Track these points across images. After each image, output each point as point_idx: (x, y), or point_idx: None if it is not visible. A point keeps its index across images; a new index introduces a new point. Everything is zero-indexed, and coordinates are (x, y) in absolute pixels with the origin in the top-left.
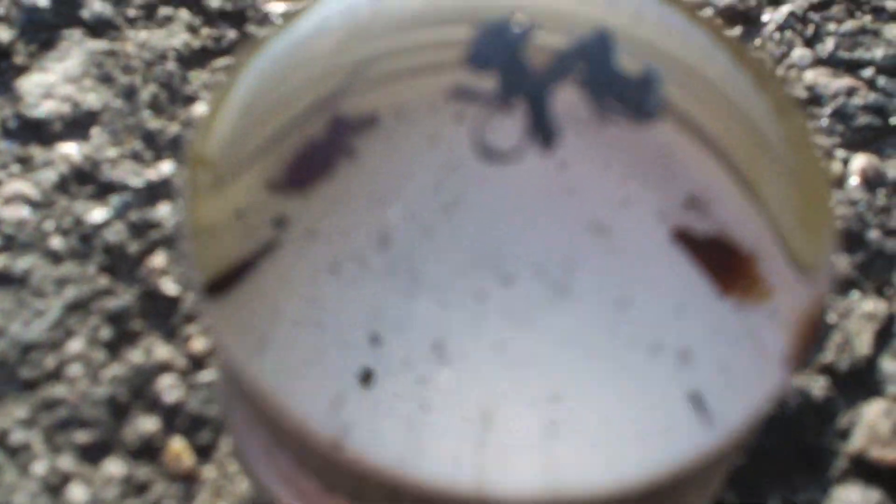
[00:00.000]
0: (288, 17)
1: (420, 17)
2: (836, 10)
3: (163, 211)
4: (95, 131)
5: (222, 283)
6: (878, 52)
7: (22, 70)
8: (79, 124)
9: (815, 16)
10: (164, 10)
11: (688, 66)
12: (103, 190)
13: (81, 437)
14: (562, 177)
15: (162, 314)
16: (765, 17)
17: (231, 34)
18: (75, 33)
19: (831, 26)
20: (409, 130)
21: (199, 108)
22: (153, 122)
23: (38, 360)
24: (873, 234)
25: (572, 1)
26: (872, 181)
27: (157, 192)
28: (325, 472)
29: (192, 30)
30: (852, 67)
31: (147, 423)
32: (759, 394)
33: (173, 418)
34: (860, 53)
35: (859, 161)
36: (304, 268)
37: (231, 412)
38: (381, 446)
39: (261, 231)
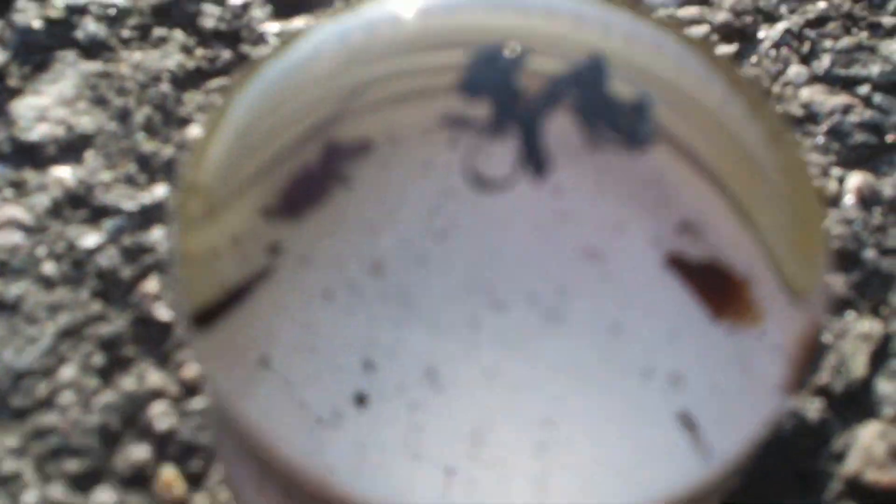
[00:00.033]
0: (282, 40)
1: (414, 42)
2: (832, 26)
3: (156, 235)
4: (89, 154)
5: (211, 314)
6: (875, 69)
7: (15, 93)
8: (72, 147)
9: (811, 33)
10: (158, 31)
11: (681, 90)
12: (97, 214)
13: (72, 465)
14: (555, 203)
15: (155, 340)
16: (761, 34)
17: (226, 54)
18: (69, 55)
19: (827, 43)
20: (402, 157)
21: (194, 131)
22: (147, 145)
23: (29, 388)
24: (869, 254)
25: (567, 25)
26: (868, 199)
27: (150, 215)
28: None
29: (187, 50)
30: (848, 84)
31: (138, 451)
32: (753, 418)
33: (165, 446)
34: (856, 70)
35: (855, 179)
36: (298, 294)
37: (221, 440)
38: (368, 488)
39: (255, 258)
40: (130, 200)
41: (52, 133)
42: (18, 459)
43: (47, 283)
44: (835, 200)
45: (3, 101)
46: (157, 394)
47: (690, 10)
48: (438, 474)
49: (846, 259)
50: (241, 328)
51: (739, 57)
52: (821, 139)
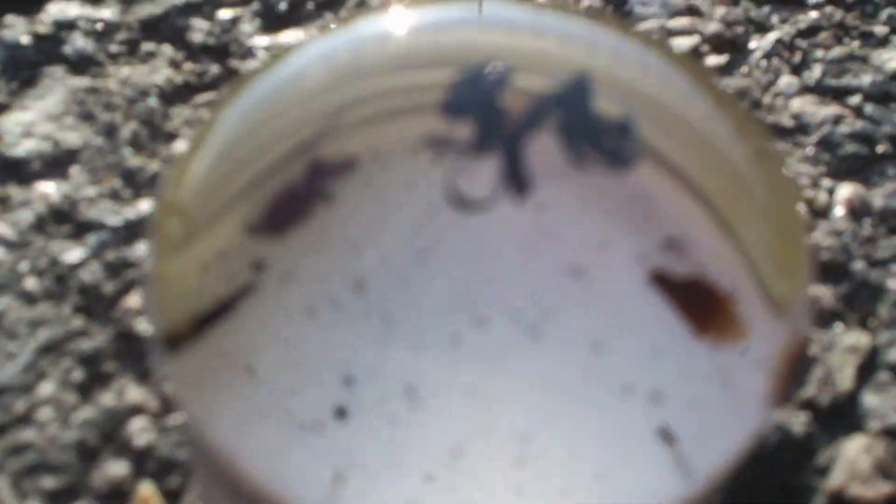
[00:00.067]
0: (270, 56)
1: (399, 60)
2: (823, 36)
3: (140, 250)
4: (74, 170)
5: (186, 334)
6: (866, 79)
7: (2, 108)
8: (58, 163)
9: (802, 42)
10: (146, 46)
11: (666, 107)
12: (80, 229)
13: (49, 482)
14: (539, 221)
15: (136, 355)
16: (752, 45)
17: (214, 69)
18: (57, 70)
19: (819, 53)
20: (386, 176)
21: (180, 146)
22: (133, 160)
23: (7, 404)
24: (858, 266)
25: (552, 42)
26: (858, 211)
27: (134, 230)
28: None
29: (175, 65)
30: (839, 95)
31: (116, 468)
32: (735, 433)
33: (143, 462)
34: (847, 80)
35: (845, 190)
36: (281, 311)
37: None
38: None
39: (239, 274)
40: (115, 215)
41: (38, 148)
42: None
43: (29, 298)
44: (824, 212)
45: None
46: (136, 409)
47: (681, 21)
48: (418, 486)
49: (835, 271)
50: (221, 346)
51: (730, 67)
52: (811, 150)
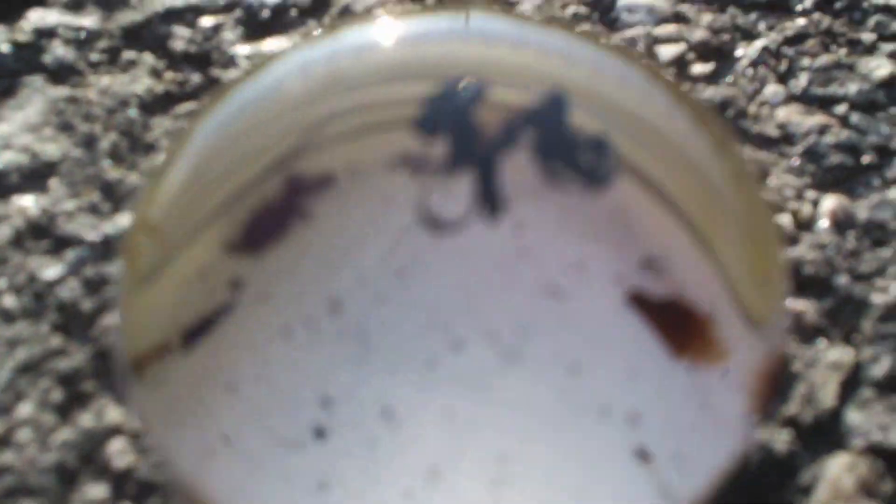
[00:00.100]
0: (248, 68)
1: (376, 74)
2: (810, 44)
3: (119, 266)
4: (53, 183)
5: (155, 358)
6: (852, 88)
7: None
8: (36, 175)
9: (789, 50)
10: (127, 54)
11: (644, 124)
12: (59, 245)
13: None
14: (515, 241)
15: (115, 374)
16: (738, 52)
17: (196, 78)
18: (36, 80)
19: (805, 61)
20: (362, 193)
21: (160, 158)
22: (112, 172)
23: None
24: (842, 280)
25: (531, 56)
26: (842, 223)
27: (113, 246)
28: None
29: (156, 74)
30: (825, 104)
31: (96, 490)
32: (714, 454)
33: (123, 484)
34: (834, 89)
35: (830, 202)
36: (258, 331)
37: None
38: None
39: (216, 294)
40: (93, 230)
41: (16, 161)
42: None
43: (6, 316)
44: (808, 224)
45: None
46: (115, 430)
47: (667, 28)
48: (398, 501)
49: (818, 285)
50: (198, 366)
51: (716, 76)
52: (796, 160)
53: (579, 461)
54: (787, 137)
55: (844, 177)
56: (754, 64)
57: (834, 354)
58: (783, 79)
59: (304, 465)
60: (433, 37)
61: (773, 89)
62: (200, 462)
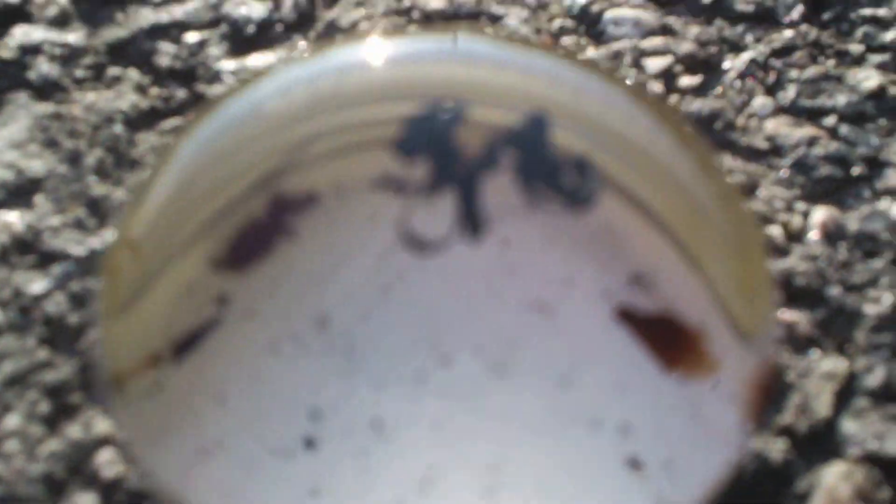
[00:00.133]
0: (230, 87)
1: (360, 94)
2: (798, 55)
3: (100, 281)
4: (39, 199)
5: (140, 372)
6: (841, 99)
7: None
8: (22, 191)
9: (776, 62)
10: (112, 70)
11: (629, 144)
12: (45, 260)
13: None
14: (503, 258)
15: (102, 387)
16: (726, 65)
17: (181, 94)
18: (21, 96)
19: (793, 73)
20: (347, 212)
21: (144, 174)
22: (98, 188)
23: None
24: (834, 291)
25: (513, 77)
26: (833, 235)
27: (99, 260)
28: None
29: (141, 90)
30: (814, 115)
31: (84, 500)
32: (707, 464)
33: (111, 494)
34: (822, 101)
35: (820, 214)
36: (245, 346)
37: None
38: None
39: (202, 309)
40: (79, 245)
41: (2, 177)
42: None
43: None
44: (799, 236)
45: None
46: (103, 441)
47: (654, 41)
48: None
49: (810, 296)
50: (185, 381)
51: (703, 88)
52: (785, 172)
53: (571, 470)
54: (775, 149)
55: (834, 188)
56: (742, 76)
57: (828, 365)
58: (771, 91)
59: (295, 474)
60: (416, 57)
61: (761, 101)
62: (189, 471)
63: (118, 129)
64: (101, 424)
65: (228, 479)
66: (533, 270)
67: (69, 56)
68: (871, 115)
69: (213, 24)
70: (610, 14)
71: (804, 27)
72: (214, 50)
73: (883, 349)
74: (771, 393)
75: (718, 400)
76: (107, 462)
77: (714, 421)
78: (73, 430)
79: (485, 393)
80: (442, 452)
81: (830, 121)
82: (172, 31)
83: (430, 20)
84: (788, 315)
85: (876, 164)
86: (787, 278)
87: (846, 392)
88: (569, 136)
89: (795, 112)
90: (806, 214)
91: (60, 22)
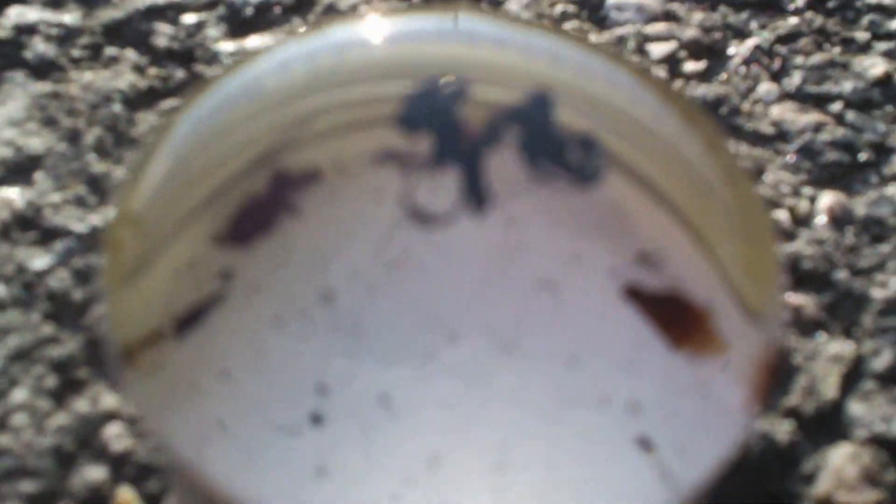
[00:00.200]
0: (231, 64)
1: (361, 71)
2: (803, 42)
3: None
4: (39, 176)
5: (147, 347)
6: (847, 86)
7: None
8: (21, 169)
9: (782, 49)
10: (109, 50)
11: (635, 123)
12: (46, 236)
13: (27, 486)
14: (509, 235)
15: (108, 362)
16: (730, 51)
17: (179, 74)
18: (18, 75)
19: (799, 59)
20: (350, 188)
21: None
22: (98, 166)
23: None
24: (841, 275)
25: (516, 56)
26: (840, 219)
27: (101, 237)
28: None
29: (139, 70)
30: (820, 102)
31: (94, 473)
32: (716, 443)
33: (121, 467)
34: (828, 87)
35: (827, 199)
36: (250, 321)
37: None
38: None
39: (206, 284)
40: (80, 222)
41: (1, 154)
42: None
43: None
44: (806, 220)
45: None
46: (111, 415)
47: (657, 27)
48: (398, 488)
49: (817, 280)
50: (191, 355)
51: (708, 74)
52: (792, 158)
53: (580, 448)
54: (781, 135)
55: (841, 174)
56: (747, 62)
57: (834, 347)
58: (776, 77)
59: (302, 450)
60: (417, 36)
61: (766, 87)
62: (198, 446)
63: (117, 108)
64: (109, 399)
65: (234, 457)
66: (539, 248)
67: (65, 36)
68: (877, 101)
69: (210, 5)
70: None
71: (809, 15)
72: (212, 31)
73: (890, 333)
74: (778, 375)
75: (727, 380)
76: (115, 436)
77: (722, 400)
78: (81, 405)
79: (492, 370)
80: (449, 430)
81: (836, 107)
82: (169, 12)
83: (430, 2)
84: (795, 298)
85: (883, 151)
86: (794, 262)
87: (853, 375)
88: (574, 115)
89: (801, 98)
90: (813, 199)
91: (55, 3)
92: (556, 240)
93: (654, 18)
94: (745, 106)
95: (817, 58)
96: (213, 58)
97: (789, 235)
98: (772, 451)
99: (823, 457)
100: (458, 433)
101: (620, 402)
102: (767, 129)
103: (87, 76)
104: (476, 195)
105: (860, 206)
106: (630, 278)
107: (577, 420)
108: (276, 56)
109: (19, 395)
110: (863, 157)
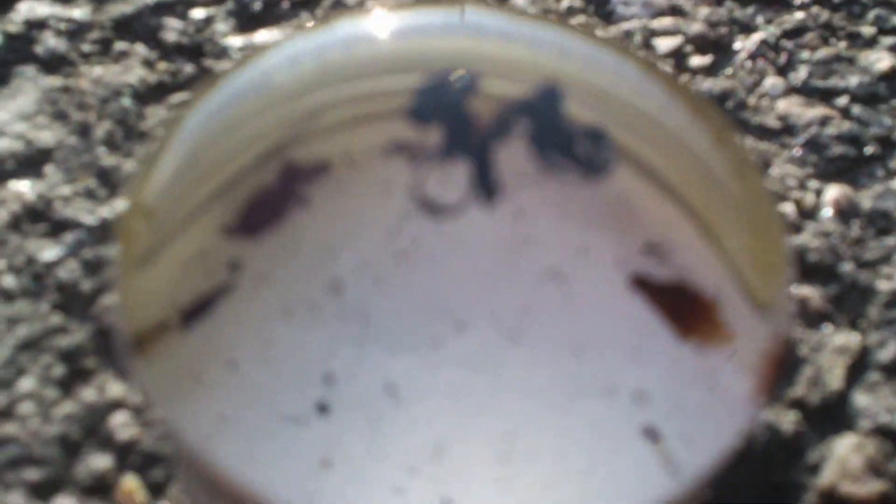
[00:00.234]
0: (242, 57)
1: (370, 65)
2: (809, 37)
3: (116, 248)
4: (49, 169)
5: (156, 336)
6: (853, 80)
7: None
8: (32, 162)
9: (787, 43)
10: (119, 45)
11: (643, 115)
12: (56, 228)
13: (32, 474)
14: (517, 226)
15: (116, 351)
16: (736, 45)
17: (188, 69)
18: (29, 70)
19: (804, 54)
20: (359, 180)
21: (153, 145)
22: (108, 159)
23: None
24: (847, 267)
25: (525, 49)
26: (846, 212)
27: (111, 229)
28: None
29: (149, 64)
30: (826, 96)
31: (99, 461)
32: (722, 432)
33: (126, 456)
34: (834, 81)
35: (833, 192)
36: (258, 310)
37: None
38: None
39: (215, 274)
40: (90, 214)
41: (11, 148)
42: None
43: (6, 295)
44: (812, 213)
45: None
46: (117, 404)
47: (664, 21)
48: (403, 479)
49: (823, 272)
50: (200, 343)
51: (714, 68)
52: (798, 151)
53: (586, 438)
54: (787, 129)
55: (847, 167)
56: (753, 56)
57: (840, 339)
58: (782, 71)
59: (308, 439)
60: (425, 30)
61: (772, 81)
62: (204, 436)
63: (126, 102)
64: (115, 388)
65: (240, 447)
66: (547, 239)
67: (75, 31)
68: (883, 96)
69: (219, 0)
70: None
71: (815, 9)
72: (221, 26)
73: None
74: (784, 366)
75: (733, 370)
76: (121, 424)
77: (728, 391)
78: (88, 394)
79: (499, 360)
80: (456, 419)
81: (843, 101)
82: (178, 7)
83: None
84: (801, 290)
85: (888, 144)
86: (800, 254)
87: (858, 366)
88: (583, 108)
89: (807, 92)
90: (819, 192)
91: None
92: (564, 231)
93: (660, 13)
94: (752, 100)
95: (823, 52)
96: (221, 52)
97: (795, 228)
98: (777, 442)
99: (828, 447)
100: (464, 423)
101: (627, 392)
102: (773, 123)
103: (97, 70)
104: (485, 187)
105: (866, 199)
106: (637, 269)
107: (584, 410)
108: (285, 51)
109: (27, 384)
110: (869, 150)
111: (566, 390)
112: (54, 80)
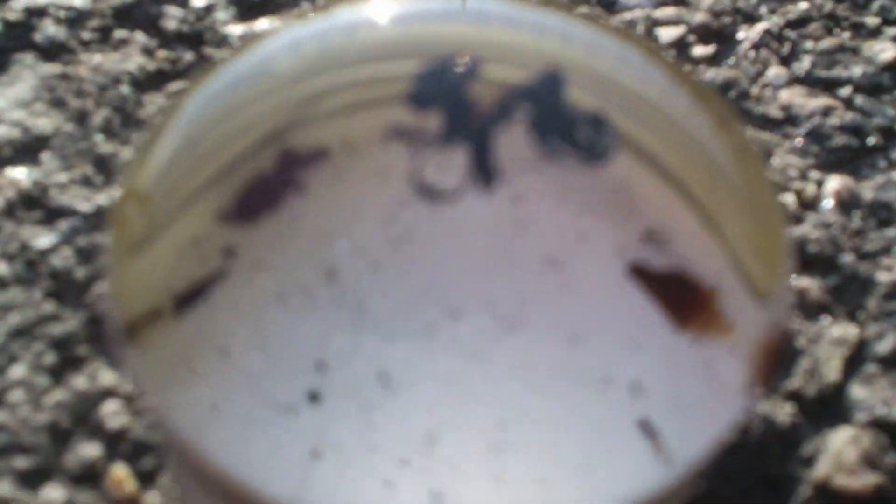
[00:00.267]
0: (240, 45)
1: (370, 51)
2: (813, 27)
3: (109, 234)
4: (45, 156)
5: (149, 323)
6: (857, 70)
7: None
8: (29, 149)
9: (791, 33)
10: (119, 33)
11: (645, 102)
12: (52, 215)
13: (21, 462)
14: (514, 212)
15: (108, 340)
16: (740, 35)
17: (188, 56)
18: (27, 57)
19: (808, 44)
20: (356, 166)
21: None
22: (105, 147)
23: None
24: (847, 258)
25: (527, 36)
26: (847, 203)
27: (107, 216)
28: None
29: (148, 52)
30: (829, 86)
31: (89, 449)
32: (716, 424)
33: (116, 444)
34: (838, 72)
35: (834, 182)
36: (252, 297)
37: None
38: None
39: (209, 260)
40: (86, 202)
41: (8, 135)
42: None
43: None
44: (813, 204)
45: None
46: (109, 393)
47: (667, 11)
48: (393, 469)
49: (823, 263)
50: (192, 330)
51: (717, 58)
52: (800, 141)
53: (580, 428)
54: (790, 119)
55: (849, 158)
56: (756, 46)
57: (838, 331)
58: (786, 61)
59: (298, 429)
60: (426, 16)
61: (775, 71)
62: (194, 424)
63: (125, 90)
64: (107, 376)
65: (230, 435)
66: (546, 225)
67: (75, 19)
68: (887, 86)
69: None
70: None
71: (819, 0)
72: (221, 14)
73: (894, 316)
74: (781, 357)
75: (730, 361)
76: (112, 413)
77: (725, 382)
78: (79, 382)
79: (494, 348)
80: (449, 409)
81: (846, 92)
82: None
83: None
84: (801, 281)
85: (891, 135)
86: (800, 245)
87: (856, 358)
88: (584, 94)
89: (810, 82)
90: (820, 183)
91: None
92: (562, 218)
93: (663, 3)
94: (754, 90)
95: (827, 42)
96: (221, 41)
97: (796, 219)
98: (772, 433)
99: (824, 440)
100: (457, 412)
101: (623, 382)
102: (776, 113)
103: (97, 58)
104: (484, 172)
105: (867, 190)
106: (636, 257)
107: (579, 399)
108: (285, 37)
109: (17, 371)
110: (871, 141)
111: (560, 380)
112: (53, 68)
